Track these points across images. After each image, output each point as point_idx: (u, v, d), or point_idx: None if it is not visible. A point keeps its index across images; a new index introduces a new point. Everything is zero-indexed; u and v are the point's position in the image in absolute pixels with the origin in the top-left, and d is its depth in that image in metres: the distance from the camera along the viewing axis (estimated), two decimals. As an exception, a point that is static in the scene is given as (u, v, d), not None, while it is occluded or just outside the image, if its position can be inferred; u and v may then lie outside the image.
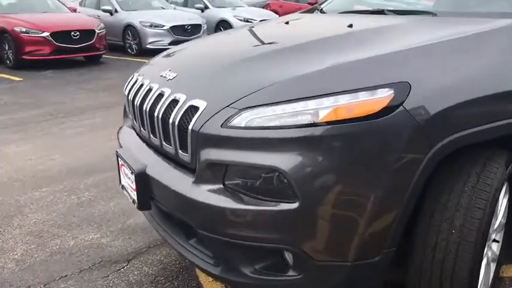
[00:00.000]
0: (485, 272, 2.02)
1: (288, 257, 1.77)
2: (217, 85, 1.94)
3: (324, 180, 1.63)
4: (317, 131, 1.63)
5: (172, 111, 1.94)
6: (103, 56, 10.89)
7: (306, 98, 1.67)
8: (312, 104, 1.66)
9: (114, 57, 11.39)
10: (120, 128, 2.70)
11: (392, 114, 1.63)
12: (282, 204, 1.67)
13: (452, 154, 1.75)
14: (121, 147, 2.46)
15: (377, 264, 1.73)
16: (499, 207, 2.01)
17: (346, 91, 1.66)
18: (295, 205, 1.65)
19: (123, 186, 2.36)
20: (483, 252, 1.82)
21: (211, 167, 1.77)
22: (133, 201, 2.18)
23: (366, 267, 1.73)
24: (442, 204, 1.79)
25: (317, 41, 2.12)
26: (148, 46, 11.44)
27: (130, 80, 2.54)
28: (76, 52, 10.17)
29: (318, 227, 1.66)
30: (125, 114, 2.70)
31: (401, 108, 1.64)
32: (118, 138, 2.59)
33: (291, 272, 1.76)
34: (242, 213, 1.71)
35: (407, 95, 1.65)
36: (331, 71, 1.77)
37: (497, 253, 2.19)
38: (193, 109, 1.85)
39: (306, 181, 1.63)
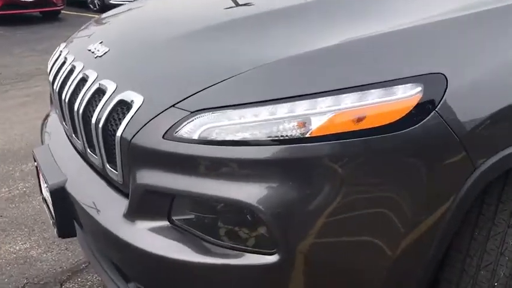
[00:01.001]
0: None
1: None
2: (161, 70, 1.33)
3: (317, 223, 1.09)
4: (307, 150, 1.07)
5: (96, 105, 1.34)
6: (61, 11, 9.95)
7: (290, 97, 1.10)
8: (300, 107, 1.09)
9: (75, 13, 10.46)
10: (47, 115, 2.08)
11: (421, 123, 1.08)
12: (254, 255, 1.12)
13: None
14: (42, 144, 1.85)
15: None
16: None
17: (351, 88, 1.09)
18: (273, 258, 1.10)
19: (44, 200, 1.77)
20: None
21: (150, 196, 1.20)
22: (53, 223, 1.60)
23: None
24: (478, 244, 1.27)
25: (304, 5, 1.51)
26: (111, 1, 10.49)
27: (55, 53, 1.91)
28: (30, 7, 9.23)
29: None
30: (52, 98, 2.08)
31: (434, 114, 1.08)
32: (41, 131, 1.97)
33: None
34: (195, 268, 1.15)
35: (443, 94, 1.10)
36: (327, 54, 1.18)
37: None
38: (124, 106, 1.26)
39: (290, 223, 1.09)
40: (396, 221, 1.11)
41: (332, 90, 1.09)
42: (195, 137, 1.11)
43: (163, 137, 1.14)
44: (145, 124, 1.18)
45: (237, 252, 1.13)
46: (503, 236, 1.25)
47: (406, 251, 1.14)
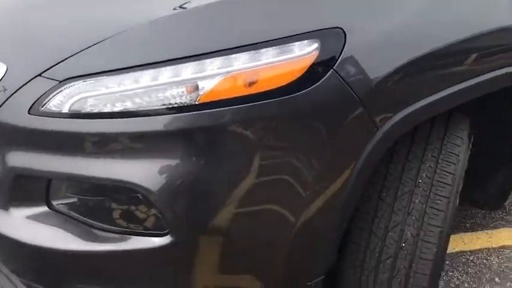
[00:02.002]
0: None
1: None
2: (27, 33, 1.15)
3: (211, 198, 0.99)
4: (195, 119, 0.96)
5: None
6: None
7: (174, 60, 0.97)
8: (185, 70, 0.97)
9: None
10: None
11: (318, 84, 0.99)
12: (145, 238, 1.02)
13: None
14: None
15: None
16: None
17: (241, 47, 0.98)
18: (166, 239, 1.00)
19: None
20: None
21: (23, 180, 1.05)
22: None
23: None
24: (386, 205, 1.24)
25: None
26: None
27: None
28: None
29: (204, 268, 1.05)
30: None
31: (331, 73, 1.00)
32: None
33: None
34: (81, 257, 1.04)
35: (341, 51, 1.01)
36: (211, 9, 1.05)
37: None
38: (-16, 77, 1.08)
39: (180, 201, 0.98)
40: (299, 187, 1.04)
41: (221, 51, 0.98)
42: (65, 110, 0.96)
43: (29, 112, 0.99)
44: (8, 98, 1.02)
45: (126, 236, 1.02)
46: (411, 196, 1.22)
47: (312, 215, 1.07)
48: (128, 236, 1.03)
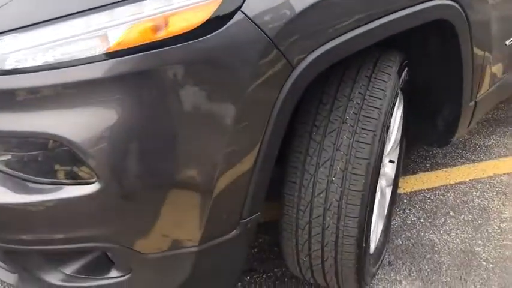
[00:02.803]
0: (380, 207, 1.63)
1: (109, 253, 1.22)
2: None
3: (135, 142, 1.04)
4: (108, 68, 1.00)
5: None
6: None
7: (85, 11, 1.00)
8: (96, 20, 1.00)
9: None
10: None
11: (227, 26, 1.02)
12: (74, 187, 1.07)
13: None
14: None
15: (235, 239, 1.23)
16: (394, 122, 1.56)
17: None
18: (95, 186, 1.06)
19: None
20: (375, 198, 1.40)
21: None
22: None
23: (220, 246, 1.22)
24: (316, 143, 1.29)
25: None
26: None
27: None
28: None
29: (135, 210, 1.10)
30: None
31: (239, 15, 1.03)
32: None
33: (114, 273, 1.22)
34: (18, 209, 1.10)
35: (247, -7, 1.05)
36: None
37: (394, 175, 1.80)
38: None
39: (104, 149, 1.03)
40: (218, 132, 1.07)
41: None
42: (-18, 69, 1.01)
43: (-50, 71, 1.03)
44: None
45: (59, 186, 1.08)
46: (339, 132, 1.28)
47: (233, 157, 1.11)
48: (60, 186, 1.08)
